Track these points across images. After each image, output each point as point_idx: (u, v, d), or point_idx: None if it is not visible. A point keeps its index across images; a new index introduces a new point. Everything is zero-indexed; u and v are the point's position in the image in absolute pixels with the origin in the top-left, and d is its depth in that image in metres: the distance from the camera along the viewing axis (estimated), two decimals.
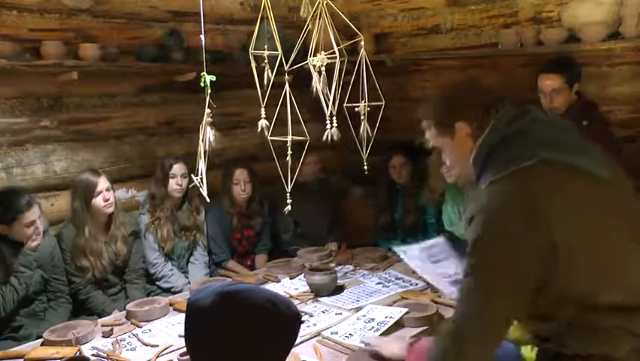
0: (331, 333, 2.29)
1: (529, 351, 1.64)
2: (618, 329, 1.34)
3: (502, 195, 1.37)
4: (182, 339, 2.27)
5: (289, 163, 1.75)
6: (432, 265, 2.25)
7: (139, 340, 2.34)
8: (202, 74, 1.64)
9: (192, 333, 1.37)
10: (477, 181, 1.49)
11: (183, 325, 1.39)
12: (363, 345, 2.11)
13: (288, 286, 2.91)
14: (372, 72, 2.02)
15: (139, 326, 2.48)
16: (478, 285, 1.37)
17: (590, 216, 1.35)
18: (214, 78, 1.65)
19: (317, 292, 2.75)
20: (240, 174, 3.52)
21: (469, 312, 1.39)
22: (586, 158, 1.40)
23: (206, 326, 1.32)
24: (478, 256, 1.38)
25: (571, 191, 1.35)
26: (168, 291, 3.24)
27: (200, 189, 1.67)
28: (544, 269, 1.31)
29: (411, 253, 2.34)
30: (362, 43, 2.00)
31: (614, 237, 1.37)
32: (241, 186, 3.51)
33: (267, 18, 1.77)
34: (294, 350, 2.00)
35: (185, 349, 2.14)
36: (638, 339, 1.35)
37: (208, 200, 1.74)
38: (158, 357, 2.18)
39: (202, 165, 1.65)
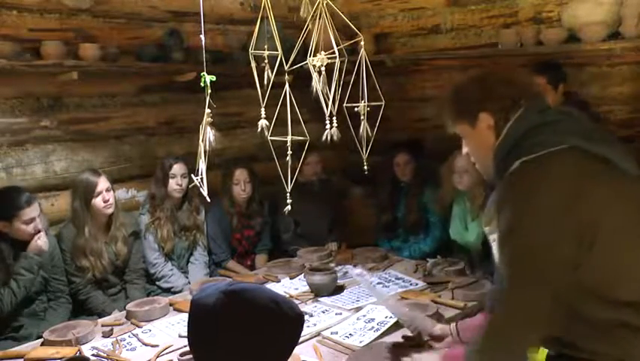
0: (331, 333, 2.29)
1: (538, 353, 1.63)
2: (632, 327, 1.32)
3: (539, 173, 1.32)
4: (182, 339, 2.29)
5: (289, 163, 1.75)
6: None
7: (139, 340, 2.34)
8: (202, 74, 1.63)
9: (196, 331, 1.37)
10: (497, 176, 1.44)
11: (186, 324, 1.39)
12: (364, 346, 2.11)
13: (288, 286, 2.91)
14: (372, 72, 2.01)
15: (139, 326, 2.48)
16: (520, 272, 1.33)
17: (623, 207, 1.33)
18: (214, 78, 1.64)
19: (317, 292, 2.75)
20: (240, 174, 3.52)
21: (509, 302, 1.35)
22: (614, 152, 1.37)
23: (210, 324, 1.33)
24: (516, 243, 1.33)
25: (606, 179, 1.33)
26: (168, 291, 3.24)
27: (201, 189, 1.67)
28: (581, 251, 1.29)
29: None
30: (362, 43, 1.99)
31: None
32: (241, 186, 3.51)
33: (267, 18, 1.77)
34: (294, 349, 2.01)
35: (185, 349, 2.15)
36: None
37: (208, 200, 1.73)
38: (158, 357, 2.18)
39: (202, 165, 1.65)
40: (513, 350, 1.36)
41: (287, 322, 1.38)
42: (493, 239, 1.45)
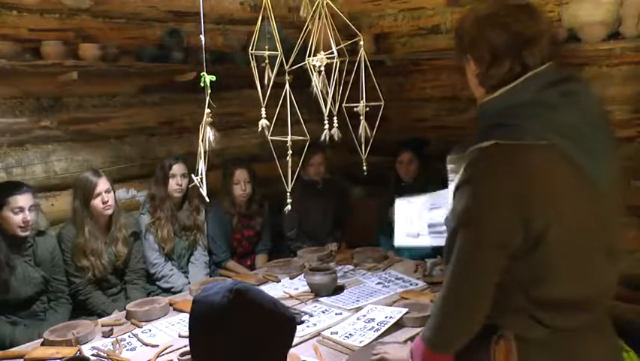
0: (331, 333, 2.29)
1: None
2: (536, 320, 1.35)
3: (506, 162, 1.29)
4: (182, 339, 2.29)
5: (289, 163, 1.75)
6: (427, 212, 2.26)
7: (139, 340, 2.34)
8: (202, 74, 1.64)
9: (199, 329, 1.37)
10: (478, 133, 1.37)
11: (186, 324, 1.39)
12: (364, 346, 2.11)
13: (288, 286, 2.91)
14: (371, 72, 2.01)
15: (139, 326, 2.48)
16: (466, 250, 1.35)
17: (576, 220, 1.32)
18: (214, 78, 1.65)
19: (317, 292, 2.75)
20: (240, 174, 3.52)
21: (456, 271, 1.37)
22: (593, 160, 1.32)
23: (216, 321, 1.33)
24: (469, 224, 1.34)
25: (571, 189, 1.31)
26: (168, 291, 3.24)
27: (200, 189, 1.67)
28: (525, 247, 1.30)
29: (416, 199, 2.39)
30: (361, 43, 2.00)
31: (591, 245, 1.35)
32: (241, 186, 3.51)
33: (267, 18, 1.77)
34: (294, 350, 2.01)
35: (185, 349, 2.15)
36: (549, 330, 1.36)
37: (207, 200, 1.74)
38: (158, 357, 2.18)
39: (202, 165, 1.65)
40: (465, 318, 1.39)
41: (285, 322, 1.40)
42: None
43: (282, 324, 1.39)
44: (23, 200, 2.66)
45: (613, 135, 1.45)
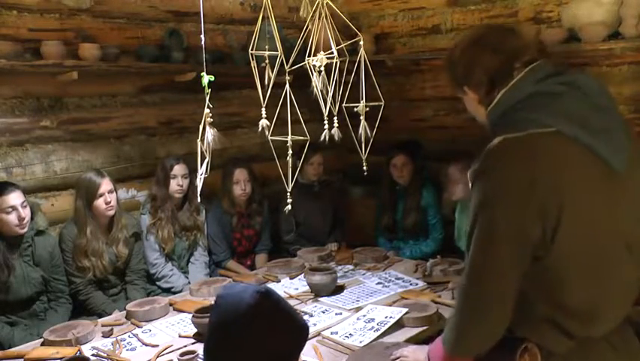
0: (331, 333, 2.29)
1: None
2: (561, 329, 1.33)
3: (515, 153, 1.30)
4: (182, 339, 2.29)
5: (289, 163, 1.75)
6: None
7: (139, 340, 2.34)
8: (202, 74, 1.64)
9: (225, 328, 1.38)
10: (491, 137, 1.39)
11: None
12: (364, 346, 2.11)
13: (288, 286, 2.91)
14: (371, 72, 2.01)
15: (139, 326, 2.48)
16: (482, 244, 1.33)
17: (593, 210, 1.31)
18: (213, 78, 1.65)
19: (317, 292, 2.75)
20: (240, 174, 3.52)
21: (474, 266, 1.35)
22: (606, 142, 1.31)
23: (244, 321, 1.35)
24: (482, 217, 1.33)
25: (583, 173, 1.30)
26: (168, 291, 3.24)
27: (197, 188, 1.67)
28: (544, 239, 1.28)
29: None
30: (361, 43, 2.00)
31: (608, 242, 1.33)
32: (241, 185, 3.51)
33: (267, 18, 1.77)
34: None
35: (185, 349, 2.15)
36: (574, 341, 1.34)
37: (199, 200, 1.75)
38: (158, 357, 2.18)
39: (203, 165, 1.65)
40: (487, 321, 1.36)
41: (302, 327, 1.46)
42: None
43: (300, 329, 1.44)
44: (13, 199, 2.65)
45: (622, 117, 1.42)
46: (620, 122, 1.38)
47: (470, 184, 1.39)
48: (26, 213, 2.70)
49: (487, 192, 1.33)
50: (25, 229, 2.71)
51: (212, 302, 2.45)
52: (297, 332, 1.43)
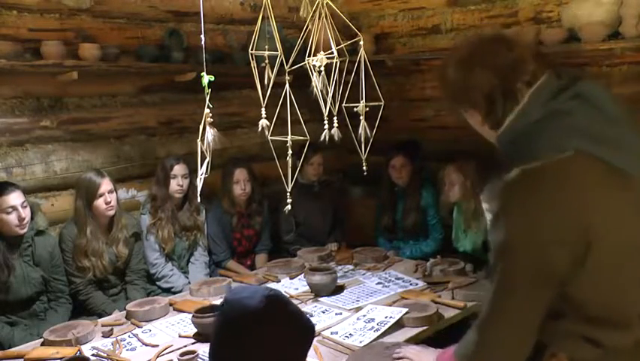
0: (331, 333, 2.29)
1: None
2: (587, 339, 1.30)
3: (538, 186, 1.23)
4: (182, 339, 2.29)
5: (289, 163, 1.75)
6: None
7: (139, 340, 2.34)
8: (202, 74, 1.64)
9: (232, 331, 1.38)
10: (504, 161, 1.32)
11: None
12: (364, 346, 2.11)
13: (288, 286, 2.91)
14: (371, 72, 2.01)
15: (139, 326, 2.48)
16: (505, 286, 1.29)
17: (622, 223, 1.26)
18: (213, 78, 1.65)
19: (317, 292, 2.75)
20: (240, 174, 3.52)
21: (493, 314, 1.33)
22: (624, 153, 1.25)
23: (251, 325, 1.35)
24: (505, 260, 1.28)
25: (606, 192, 1.24)
26: (168, 291, 3.24)
27: (197, 188, 1.68)
28: (574, 268, 1.23)
29: None
30: (361, 43, 2.00)
31: (637, 250, 1.28)
32: (241, 185, 3.51)
33: (267, 18, 1.77)
34: None
35: (184, 349, 2.15)
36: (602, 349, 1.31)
37: (199, 200, 1.75)
38: (158, 357, 2.18)
39: (203, 165, 1.65)
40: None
41: (309, 330, 1.46)
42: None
43: (307, 332, 1.44)
44: (13, 199, 2.65)
45: (632, 118, 1.35)
46: (632, 126, 1.33)
47: (487, 218, 1.33)
48: (26, 213, 2.70)
49: (508, 235, 1.26)
50: (25, 229, 2.71)
51: (212, 302, 2.45)
52: (304, 334, 1.42)
